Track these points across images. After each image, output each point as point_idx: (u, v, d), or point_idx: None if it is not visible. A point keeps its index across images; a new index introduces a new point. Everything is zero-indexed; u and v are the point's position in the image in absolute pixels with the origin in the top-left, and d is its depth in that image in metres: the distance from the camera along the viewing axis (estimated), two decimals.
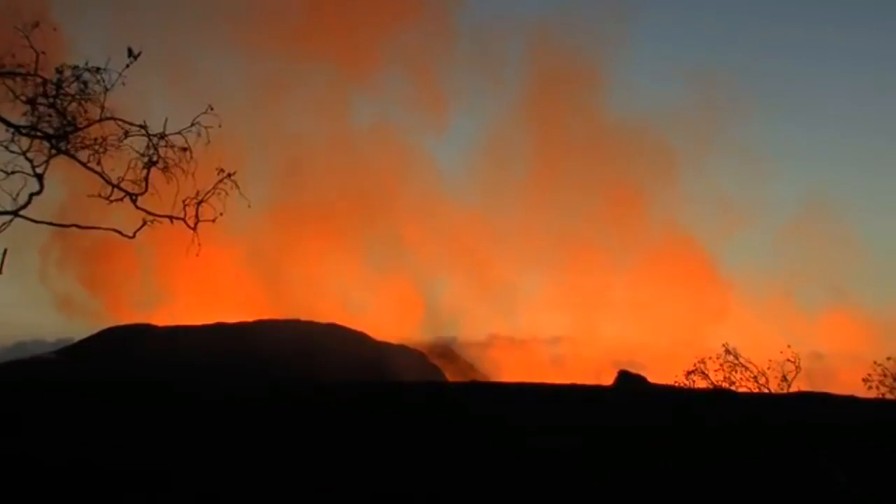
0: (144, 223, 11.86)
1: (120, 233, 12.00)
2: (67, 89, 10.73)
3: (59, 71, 10.63)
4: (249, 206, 12.03)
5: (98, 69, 10.74)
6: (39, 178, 11.18)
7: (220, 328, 78.27)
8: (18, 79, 10.62)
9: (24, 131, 10.97)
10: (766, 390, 28.68)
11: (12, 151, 10.99)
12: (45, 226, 11.71)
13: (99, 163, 11.30)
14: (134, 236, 11.89)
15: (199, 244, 11.96)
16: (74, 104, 10.85)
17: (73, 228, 12.03)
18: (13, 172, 11.06)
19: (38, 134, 11.01)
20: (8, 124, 10.93)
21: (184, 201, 11.61)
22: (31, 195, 11.15)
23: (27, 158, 11.10)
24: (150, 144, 11.22)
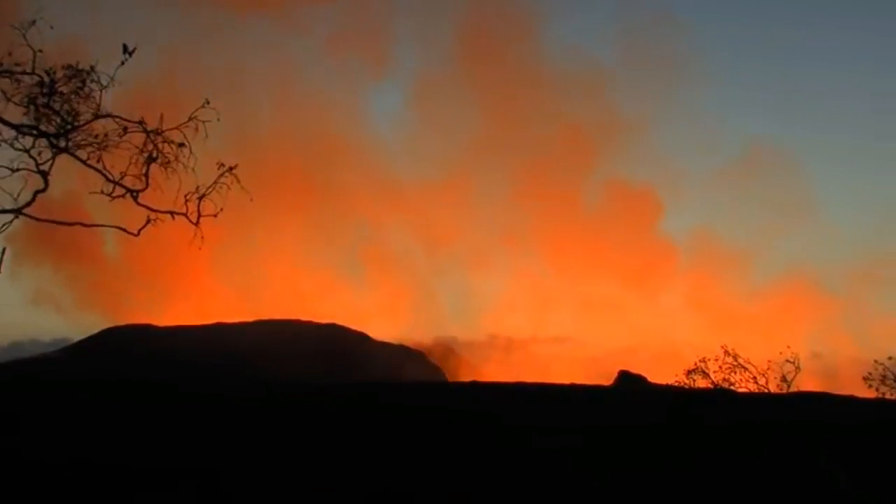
0: (149, 221, 11.83)
1: (124, 230, 11.95)
2: (62, 89, 10.71)
3: (50, 73, 10.60)
4: (252, 200, 12.02)
5: (92, 68, 10.72)
6: (44, 175, 11.15)
7: (219, 328, 78.25)
8: (15, 77, 10.60)
9: (24, 130, 10.95)
10: (765, 391, 28.71)
11: (17, 149, 10.98)
12: (44, 225, 11.67)
13: (99, 160, 11.28)
14: (138, 234, 11.83)
15: (203, 238, 11.93)
16: (69, 104, 10.82)
17: (77, 226, 11.99)
18: (18, 169, 11.05)
19: (38, 133, 10.98)
20: (8, 125, 10.91)
21: (185, 196, 11.59)
22: (36, 192, 11.13)
23: (31, 156, 11.08)
24: (149, 140, 11.20)
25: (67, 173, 12.55)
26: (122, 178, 11.40)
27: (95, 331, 76.97)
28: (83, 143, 11.10)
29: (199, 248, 11.85)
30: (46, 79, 10.63)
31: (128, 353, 64.52)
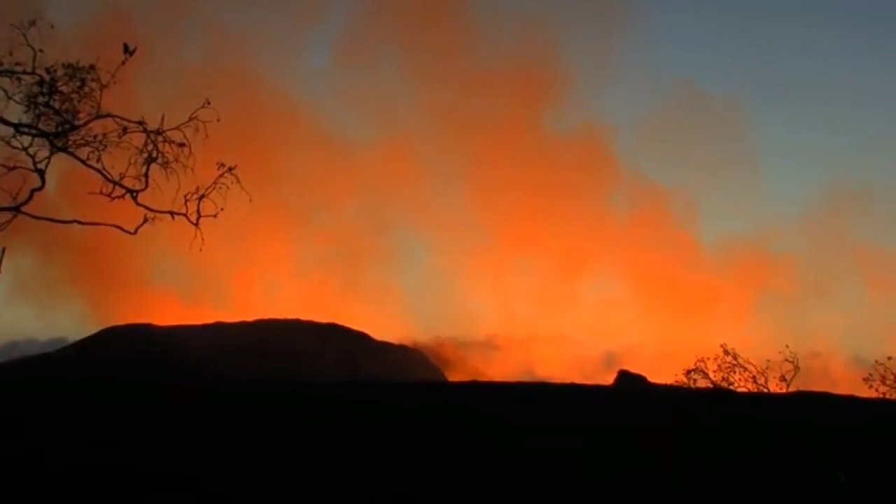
0: (146, 220, 11.85)
1: (121, 229, 11.97)
2: (62, 88, 10.72)
3: (51, 72, 10.61)
4: (251, 201, 12.04)
5: (92, 66, 10.73)
6: (41, 173, 11.17)
7: (219, 327, 78.33)
8: (16, 77, 10.61)
9: (23, 130, 10.95)
10: (765, 390, 28.74)
11: (14, 147, 10.99)
12: (42, 223, 11.66)
13: (99, 160, 11.30)
14: (135, 232, 11.85)
15: (203, 239, 11.95)
16: (70, 103, 10.83)
17: (75, 225, 12.00)
18: (15, 168, 11.06)
19: (37, 132, 10.99)
20: (7, 123, 10.91)
21: (185, 196, 11.61)
22: (33, 191, 11.15)
23: (29, 154, 11.09)
24: (149, 140, 11.21)
25: (65, 171, 12.56)
26: (121, 178, 11.42)
27: (94, 330, 77.16)
28: (82, 142, 11.11)
29: (200, 250, 11.88)
30: (47, 77, 10.64)
31: (128, 353, 64.59)
